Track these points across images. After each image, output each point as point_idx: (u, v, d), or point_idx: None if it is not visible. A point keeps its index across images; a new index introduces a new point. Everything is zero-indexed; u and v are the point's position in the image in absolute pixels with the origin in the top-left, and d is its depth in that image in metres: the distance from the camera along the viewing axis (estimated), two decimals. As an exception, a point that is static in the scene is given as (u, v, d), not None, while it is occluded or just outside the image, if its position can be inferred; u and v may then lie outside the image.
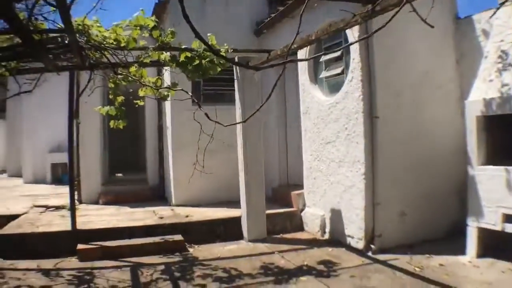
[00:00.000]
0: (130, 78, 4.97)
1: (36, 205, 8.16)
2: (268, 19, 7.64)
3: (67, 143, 6.15)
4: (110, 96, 5.50)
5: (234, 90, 6.49)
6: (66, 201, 7.99)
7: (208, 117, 4.11)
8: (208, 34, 4.53)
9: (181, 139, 7.80)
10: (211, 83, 7.75)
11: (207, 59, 4.80)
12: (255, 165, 6.25)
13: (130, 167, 12.68)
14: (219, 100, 7.77)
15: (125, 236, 5.98)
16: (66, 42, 4.13)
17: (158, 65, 5.17)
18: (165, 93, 5.20)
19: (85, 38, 4.14)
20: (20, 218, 6.91)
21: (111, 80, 5.27)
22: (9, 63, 4.42)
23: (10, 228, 6.20)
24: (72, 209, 5.89)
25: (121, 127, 5.67)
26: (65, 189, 10.27)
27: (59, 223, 6.50)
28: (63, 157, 12.62)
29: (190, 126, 7.36)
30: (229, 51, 5.05)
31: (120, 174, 11.65)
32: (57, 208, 7.91)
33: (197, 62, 4.78)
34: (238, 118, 6.19)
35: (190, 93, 5.23)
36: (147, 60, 4.74)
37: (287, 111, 8.00)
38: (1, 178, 15.32)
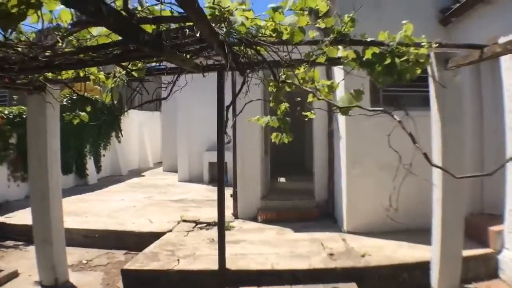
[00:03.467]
0: (295, 83, 3.51)
1: (184, 219, 7.41)
2: (457, 5, 6.26)
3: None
4: (271, 104, 4.22)
5: (422, 91, 5.16)
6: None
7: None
8: (403, 22, 3.14)
9: (357, 152, 6.59)
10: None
11: (403, 58, 3.12)
12: (456, 193, 4.52)
13: (293, 171, 11.43)
14: (403, 104, 6.05)
15: (284, 281, 4.88)
16: (197, 35, 2.77)
17: (334, 64, 3.59)
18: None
19: (224, 29, 2.73)
20: (159, 242, 6.16)
21: (271, 84, 3.91)
22: (135, 63, 3.29)
23: (144, 259, 5.39)
24: (222, 246, 4.68)
25: (286, 141, 4.46)
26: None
27: (206, 253, 5.53)
28: (221, 157, 12.08)
29: (368, 136, 6.29)
30: (433, 45, 3.35)
31: (283, 179, 10.58)
32: (208, 224, 6.99)
33: (388, 61, 3.14)
34: (435, 133, 4.65)
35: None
36: (322, 59, 3.21)
37: (484, 121, 6.46)
38: (156, 174, 15.33)
